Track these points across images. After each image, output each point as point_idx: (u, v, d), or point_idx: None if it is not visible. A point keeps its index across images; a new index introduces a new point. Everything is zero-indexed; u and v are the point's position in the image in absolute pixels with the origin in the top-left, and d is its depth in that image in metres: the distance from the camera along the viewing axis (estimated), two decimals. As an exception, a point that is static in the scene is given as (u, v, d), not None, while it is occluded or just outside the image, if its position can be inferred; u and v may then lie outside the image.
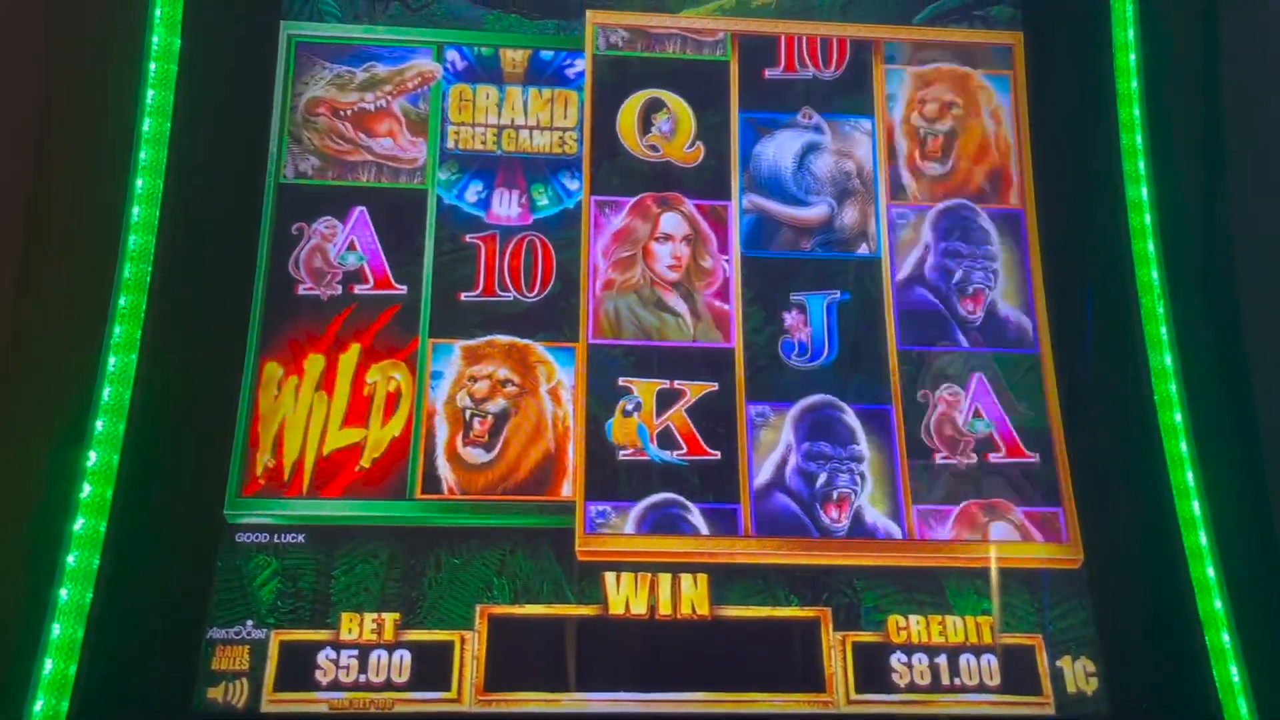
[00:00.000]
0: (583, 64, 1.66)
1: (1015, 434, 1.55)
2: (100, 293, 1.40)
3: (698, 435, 1.51)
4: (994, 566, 1.49)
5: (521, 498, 1.46)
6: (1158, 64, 1.68)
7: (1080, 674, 1.44)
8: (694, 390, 1.54)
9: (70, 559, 1.30)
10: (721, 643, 1.41)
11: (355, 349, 1.50)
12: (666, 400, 1.53)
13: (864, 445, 1.54)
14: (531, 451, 1.49)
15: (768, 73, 1.69)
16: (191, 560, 1.37)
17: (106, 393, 1.36)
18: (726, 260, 1.60)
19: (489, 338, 1.53)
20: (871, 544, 1.49)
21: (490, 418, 1.49)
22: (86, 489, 1.32)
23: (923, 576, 1.48)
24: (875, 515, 1.51)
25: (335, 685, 1.35)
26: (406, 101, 1.62)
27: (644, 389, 1.53)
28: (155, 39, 1.51)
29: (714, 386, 1.54)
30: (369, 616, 1.38)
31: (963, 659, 1.44)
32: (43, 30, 1.51)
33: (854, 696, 1.40)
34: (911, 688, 1.42)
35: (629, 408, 1.52)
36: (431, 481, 1.45)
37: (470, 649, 1.38)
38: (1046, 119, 1.70)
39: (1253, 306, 1.60)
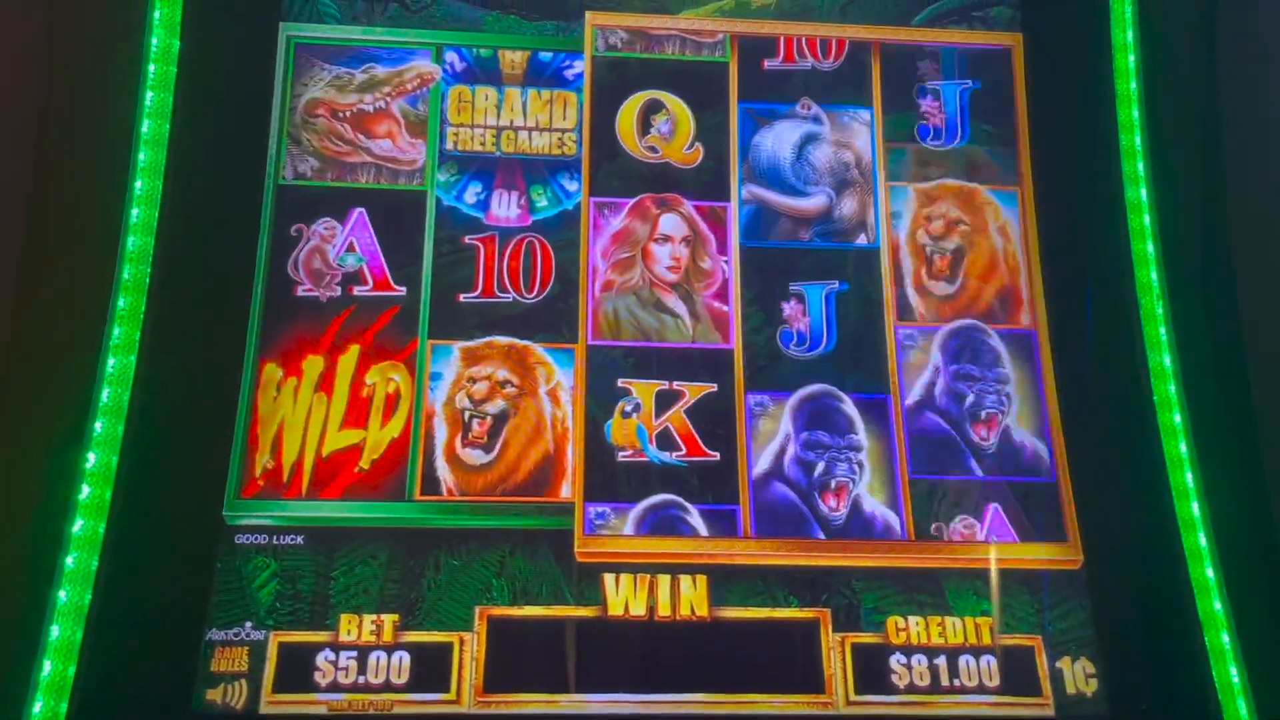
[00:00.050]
0: (582, 65, 1.66)
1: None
2: (99, 294, 1.40)
3: (697, 436, 1.51)
4: (993, 568, 1.49)
5: (521, 499, 1.46)
6: (1157, 65, 1.68)
7: (1080, 675, 1.44)
8: (693, 391, 1.54)
9: (69, 560, 1.29)
10: (721, 644, 1.41)
11: (354, 350, 1.50)
12: (666, 401, 1.53)
13: (862, 434, 1.54)
14: (531, 453, 1.49)
15: (766, 63, 1.69)
16: (190, 562, 1.37)
17: (105, 394, 1.36)
18: (726, 261, 1.60)
19: (488, 339, 1.53)
20: (871, 545, 1.49)
21: (489, 419, 1.49)
22: (85, 490, 1.32)
23: (922, 577, 1.48)
24: (873, 504, 1.52)
25: (334, 687, 1.35)
26: (405, 103, 1.62)
27: (643, 390, 1.53)
28: (154, 40, 1.51)
29: (713, 388, 1.54)
30: (368, 618, 1.38)
31: (962, 660, 1.44)
32: (43, 31, 1.51)
33: (853, 698, 1.40)
34: (911, 689, 1.41)
35: (628, 409, 1.52)
36: (430, 483, 1.45)
37: (469, 650, 1.38)
38: (1044, 120, 1.70)
39: (1252, 307, 1.60)
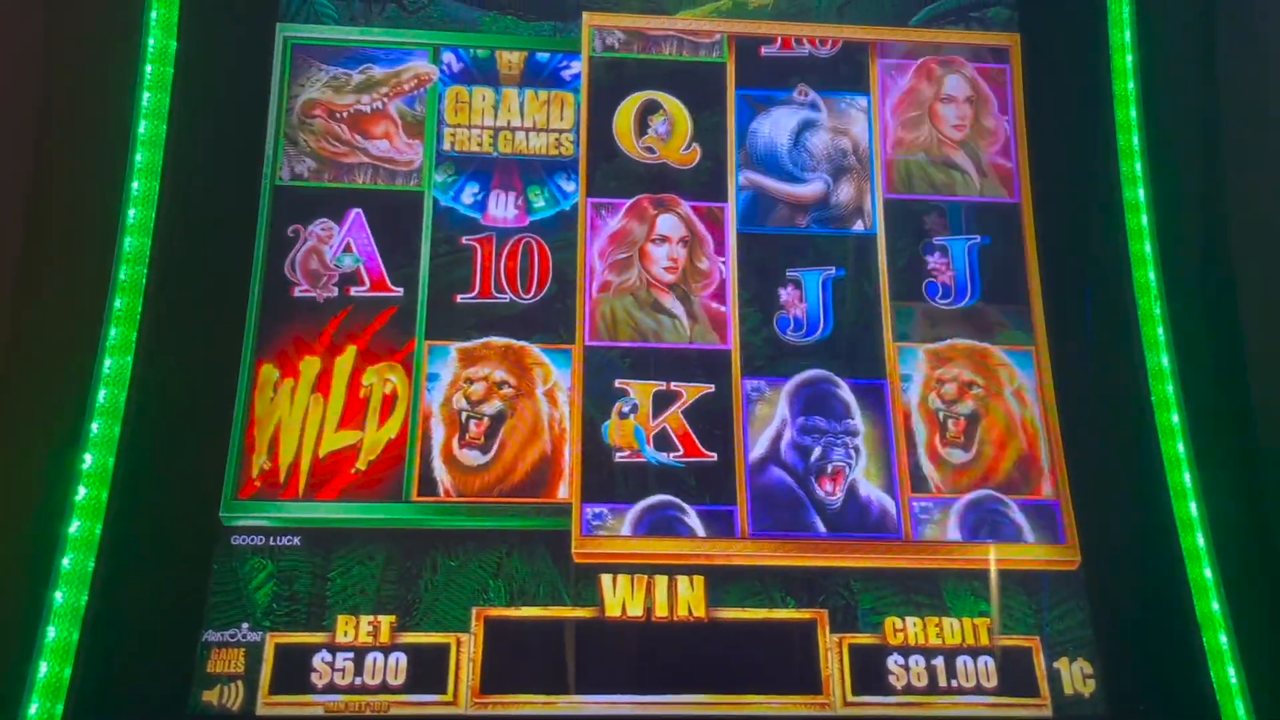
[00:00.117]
0: (579, 66, 1.66)
1: None
2: (96, 295, 1.40)
3: (694, 437, 1.51)
4: (991, 569, 1.49)
5: (518, 500, 1.46)
6: (1154, 65, 1.68)
7: (1078, 675, 1.44)
8: (690, 392, 1.54)
9: (65, 562, 1.29)
10: (718, 645, 1.41)
11: (351, 351, 1.50)
12: (663, 402, 1.53)
13: (858, 419, 1.55)
14: (528, 453, 1.48)
15: (764, 50, 1.69)
16: (187, 563, 1.37)
17: (102, 395, 1.36)
18: (723, 262, 1.60)
19: (485, 340, 1.53)
20: (869, 545, 1.48)
21: (486, 420, 1.49)
22: (82, 492, 1.32)
23: (920, 578, 1.48)
24: (869, 488, 1.52)
25: (331, 688, 1.34)
26: (403, 103, 1.62)
27: (640, 391, 1.53)
28: (151, 41, 1.51)
29: (710, 388, 1.54)
30: (365, 619, 1.38)
31: (960, 661, 1.44)
32: (43, 32, 1.51)
33: (851, 698, 1.40)
34: (908, 689, 1.41)
35: (625, 410, 1.52)
36: (427, 484, 1.45)
37: (466, 651, 1.37)
38: (1043, 121, 1.70)
39: (1250, 307, 1.60)
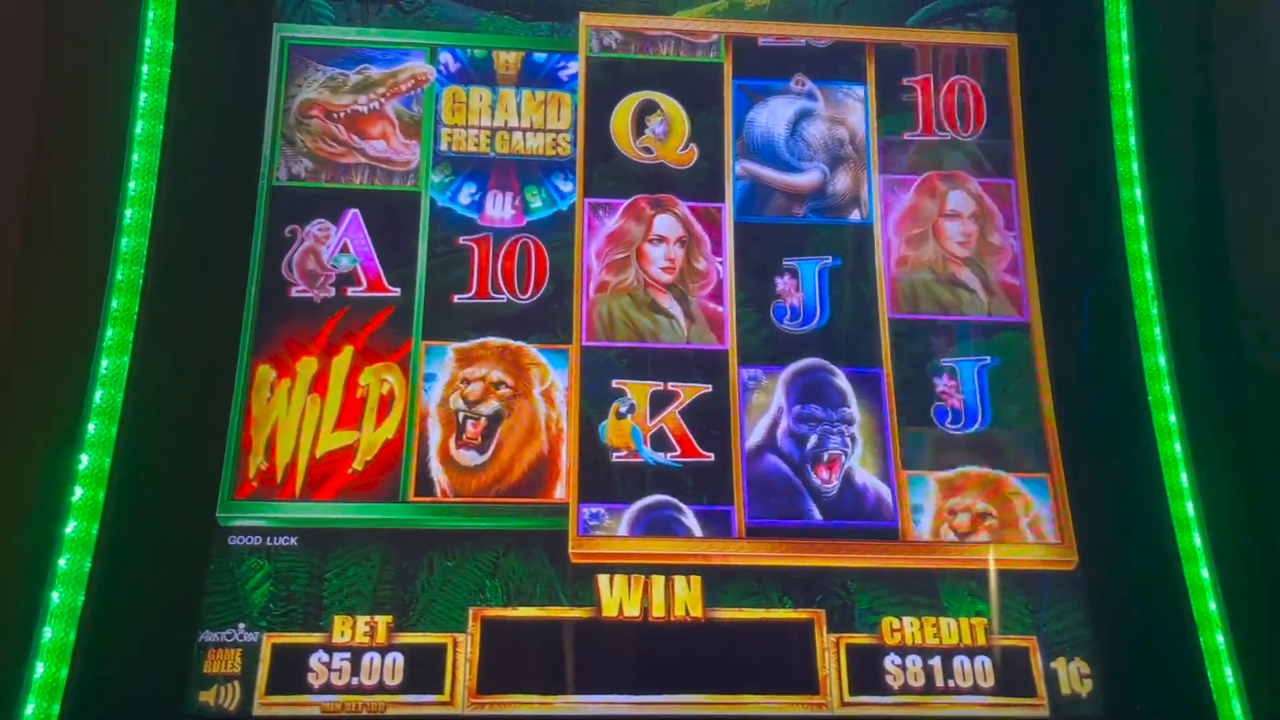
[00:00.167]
0: (576, 66, 1.66)
1: None
2: (93, 295, 1.40)
3: (691, 437, 1.51)
4: (988, 569, 1.49)
5: (515, 500, 1.46)
6: (1151, 66, 1.68)
7: (1074, 675, 1.44)
8: (688, 392, 1.54)
9: (62, 562, 1.29)
10: (715, 645, 1.41)
11: (348, 351, 1.50)
12: (660, 402, 1.53)
13: (854, 408, 1.55)
14: (525, 454, 1.48)
15: (761, 40, 1.69)
16: (184, 563, 1.37)
17: (99, 395, 1.36)
18: (720, 262, 1.60)
19: (482, 340, 1.53)
20: (866, 546, 1.48)
21: (483, 420, 1.49)
22: (78, 492, 1.32)
23: (917, 578, 1.48)
24: (865, 476, 1.52)
25: (327, 688, 1.34)
26: (400, 104, 1.62)
27: (638, 391, 1.53)
28: (148, 41, 1.51)
29: (708, 388, 1.54)
30: (361, 619, 1.38)
31: (957, 661, 1.44)
32: (43, 32, 1.51)
33: (848, 699, 1.40)
34: (905, 690, 1.41)
35: (623, 410, 1.52)
36: (424, 484, 1.45)
37: (463, 652, 1.37)
38: (1040, 121, 1.70)
39: (1247, 307, 1.60)
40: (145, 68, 1.50)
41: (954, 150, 1.67)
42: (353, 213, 1.56)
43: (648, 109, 1.66)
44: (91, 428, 1.35)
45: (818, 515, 1.49)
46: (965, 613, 1.46)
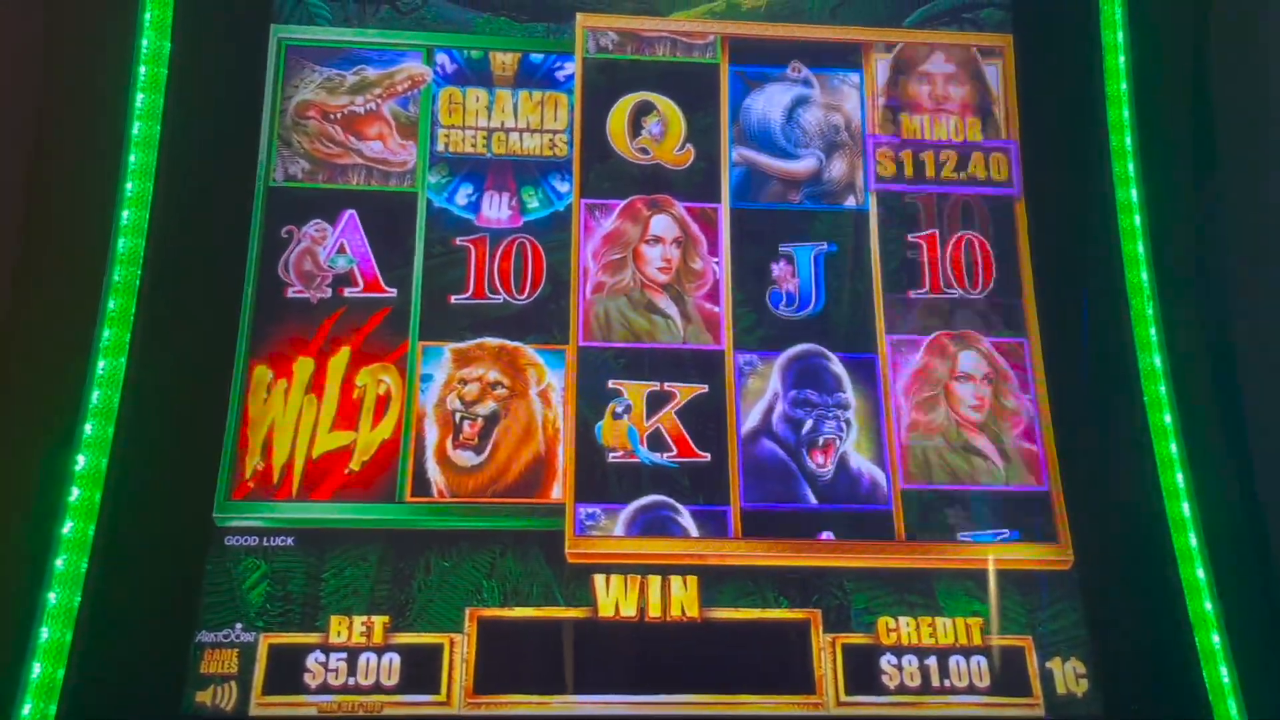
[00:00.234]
0: (573, 67, 1.66)
1: None
2: (90, 296, 1.40)
3: (687, 437, 1.51)
4: (985, 568, 1.49)
5: (511, 500, 1.46)
6: (1147, 66, 1.68)
7: (1070, 675, 1.44)
8: (684, 393, 1.54)
9: (59, 563, 1.29)
10: (711, 645, 1.41)
11: (345, 352, 1.50)
12: (656, 402, 1.53)
13: (850, 393, 1.56)
14: (521, 454, 1.49)
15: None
16: (180, 563, 1.37)
17: (95, 396, 1.36)
18: (716, 262, 1.61)
19: (479, 340, 1.53)
20: (862, 545, 1.49)
21: (480, 420, 1.49)
22: (75, 493, 1.32)
23: (913, 578, 1.48)
24: (860, 461, 1.53)
25: (324, 688, 1.35)
26: (396, 104, 1.62)
27: (634, 391, 1.53)
28: (145, 42, 1.51)
29: (704, 389, 1.54)
30: (358, 619, 1.38)
31: (953, 660, 1.44)
32: (43, 33, 1.51)
33: (844, 698, 1.40)
34: (901, 689, 1.42)
35: (619, 410, 1.52)
36: (421, 484, 1.45)
37: (460, 652, 1.38)
38: (1036, 121, 1.70)
39: (1242, 307, 1.60)
40: (143, 69, 1.51)
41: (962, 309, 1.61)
42: (349, 213, 1.56)
43: (644, 110, 1.66)
44: (88, 428, 1.35)
45: (813, 499, 1.50)
46: (961, 612, 1.46)
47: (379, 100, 1.62)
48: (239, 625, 1.36)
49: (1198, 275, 1.63)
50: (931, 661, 1.43)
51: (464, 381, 1.51)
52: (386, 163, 1.59)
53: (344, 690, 1.35)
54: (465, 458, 1.47)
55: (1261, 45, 1.68)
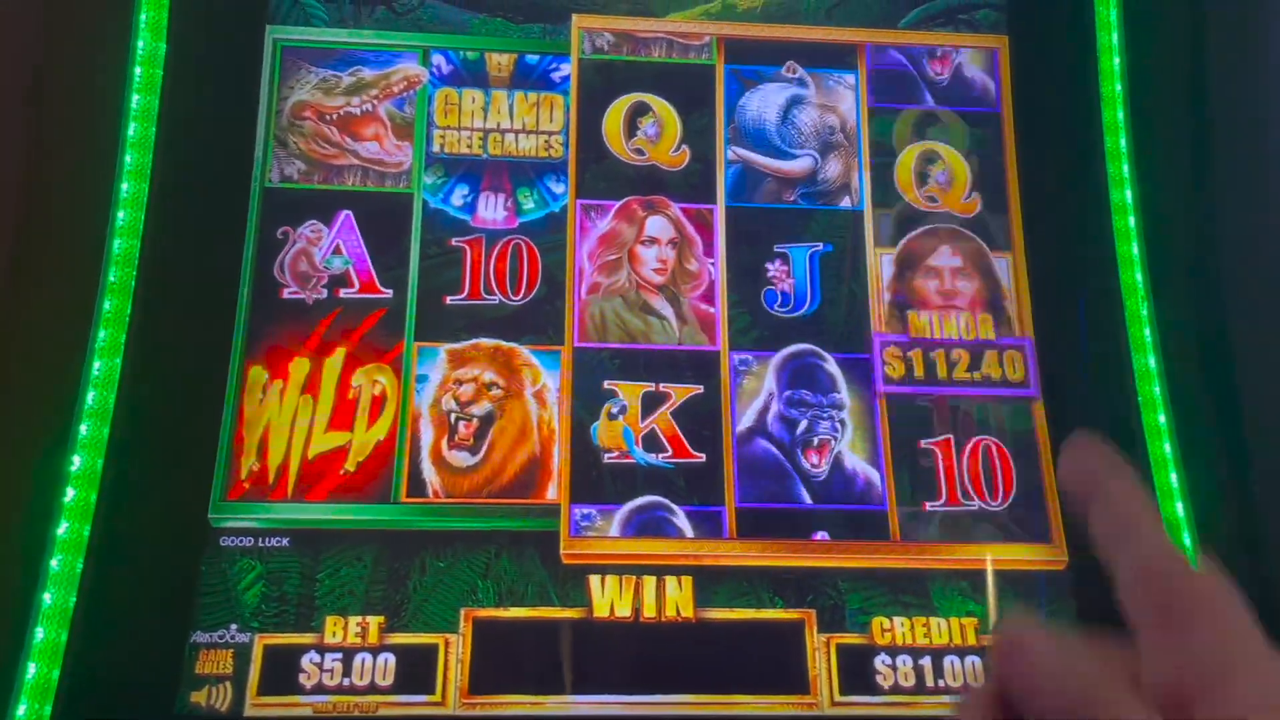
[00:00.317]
0: (568, 68, 1.66)
1: None
2: (84, 297, 1.40)
3: (683, 438, 1.52)
4: (981, 569, 1.49)
5: (506, 501, 1.46)
6: (1142, 68, 1.68)
7: (1065, 675, 1.44)
8: (679, 393, 1.54)
9: (54, 563, 1.30)
10: (706, 645, 1.42)
11: (340, 352, 1.50)
12: (652, 403, 1.53)
13: (844, 393, 1.56)
14: (517, 454, 1.49)
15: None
16: (176, 564, 1.37)
17: (90, 397, 1.36)
18: (712, 263, 1.61)
19: (474, 341, 1.53)
20: (857, 546, 1.49)
21: (475, 421, 1.49)
22: (70, 493, 1.32)
23: (908, 578, 1.48)
24: (854, 460, 1.53)
25: (319, 689, 1.35)
26: (392, 105, 1.62)
27: (629, 392, 1.53)
28: (140, 43, 1.51)
29: (699, 389, 1.54)
30: (353, 620, 1.38)
31: (947, 661, 1.44)
32: (39, 37, 1.51)
33: (838, 698, 1.40)
34: (896, 689, 1.42)
35: (614, 411, 1.52)
36: (416, 485, 1.46)
37: (454, 652, 1.38)
38: (1031, 121, 1.71)
39: (1238, 308, 1.60)
40: (138, 70, 1.51)
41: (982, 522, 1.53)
42: (345, 214, 1.57)
43: (640, 111, 1.66)
44: (84, 429, 1.35)
45: (807, 499, 1.50)
46: (956, 613, 1.47)
47: (375, 101, 1.62)
48: (234, 626, 1.36)
49: (1192, 276, 1.63)
50: (926, 662, 1.44)
51: (459, 382, 1.51)
52: (382, 164, 1.59)
53: (339, 690, 1.35)
54: (460, 458, 1.47)
55: (1258, 45, 1.69)
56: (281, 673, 1.35)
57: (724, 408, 1.54)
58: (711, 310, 1.59)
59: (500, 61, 1.66)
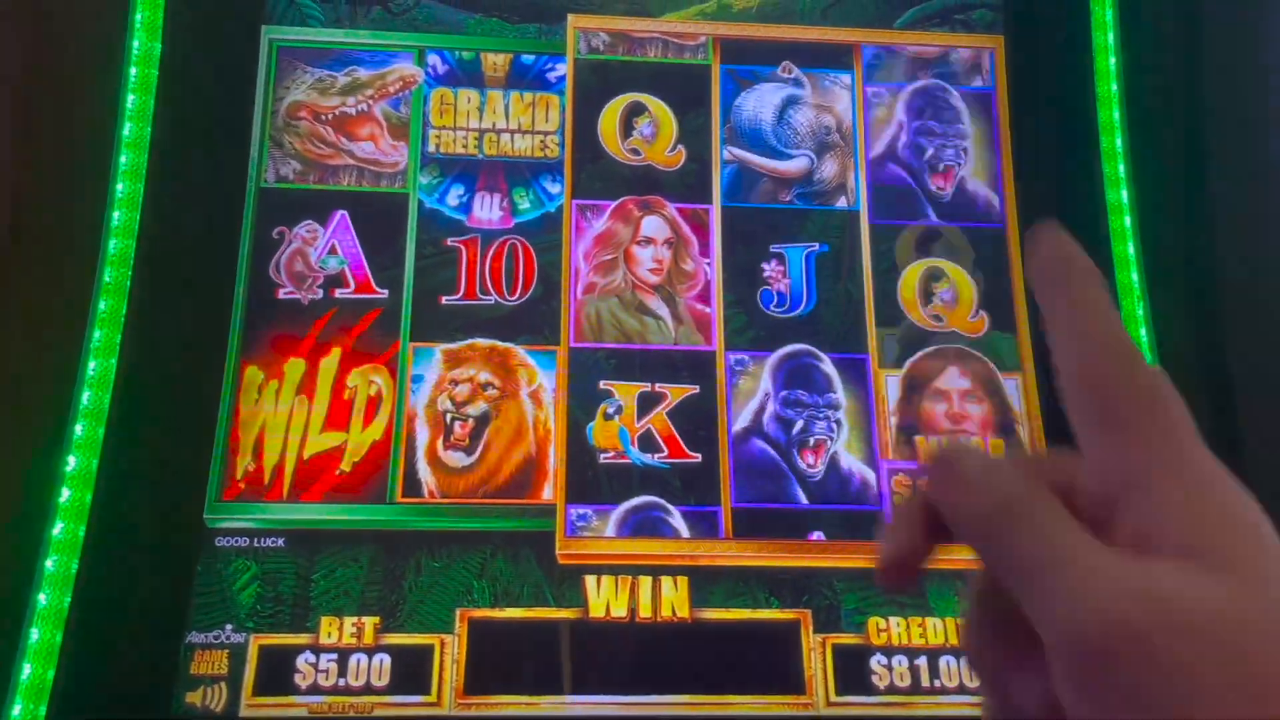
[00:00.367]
0: (564, 68, 1.66)
1: None
2: (80, 297, 1.40)
3: (679, 438, 1.52)
4: (977, 569, 1.49)
5: (502, 501, 1.46)
6: (1138, 68, 1.68)
7: (1060, 675, 1.44)
8: (675, 393, 1.54)
9: (49, 564, 1.29)
10: (702, 645, 1.42)
11: (336, 353, 1.50)
12: (647, 403, 1.53)
13: (840, 393, 1.56)
14: (512, 455, 1.49)
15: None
16: (171, 565, 1.37)
17: (86, 397, 1.36)
18: (708, 263, 1.61)
19: (470, 341, 1.53)
20: (853, 546, 1.49)
21: (471, 421, 1.49)
22: (65, 494, 1.32)
23: (904, 578, 1.48)
24: (850, 460, 1.53)
25: (314, 689, 1.35)
26: (388, 105, 1.62)
27: (625, 392, 1.53)
28: (135, 43, 1.51)
29: (695, 389, 1.54)
30: (349, 620, 1.38)
31: (943, 661, 1.44)
32: (34, 38, 1.51)
33: (834, 699, 1.40)
34: (891, 689, 1.42)
35: (610, 411, 1.52)
36: (412, 485, 1.46)
37: (450, 652, 1.38)
38: (1027, 122, 1.71)
39: (1234, 309, 1.60)
40: (133, 70, 1.50)
41: None
42: (341, 214, 1.56)
43: (635, 111, 1.66)
44: (79, 429, 1.35)
45: (803, 499, 1.50)
46: (951, 613, 1.47)
47: (371, 101, 1.62)
48: (229, 626, 1.36)
49: (1189, 277, 1.63)
50: (922, 661, 1.44)
51: (455, 382, 1.51)
52: (378, 164, 1.59)
53: (334, 691, 1.35)
54: (456, 459, 1.47)
55: (1254, 45, 1.69)
56: (277, 673, 1.35)
57: (720, 408, 1.54)
58: (707, 310, 1.59)
59: (496, 61, 1.66)
